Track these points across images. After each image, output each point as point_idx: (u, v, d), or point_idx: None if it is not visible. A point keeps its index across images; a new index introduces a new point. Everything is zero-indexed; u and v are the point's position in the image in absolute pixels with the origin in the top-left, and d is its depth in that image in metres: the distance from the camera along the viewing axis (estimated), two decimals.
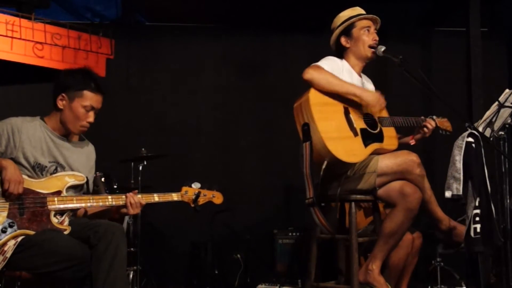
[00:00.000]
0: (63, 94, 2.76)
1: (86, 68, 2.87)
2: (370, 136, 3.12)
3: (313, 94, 3.06)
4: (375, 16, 3.32)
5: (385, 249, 3.01)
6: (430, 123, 3.34)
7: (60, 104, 2.77)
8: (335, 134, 3.01)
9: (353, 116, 3.12)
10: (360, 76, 3.34)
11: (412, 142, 3.40)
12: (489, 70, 5.40)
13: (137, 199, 2.76)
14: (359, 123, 3.13)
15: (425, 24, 5.87)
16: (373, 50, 3.23)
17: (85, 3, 5.49)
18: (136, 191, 2.82)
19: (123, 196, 2.76)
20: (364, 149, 3.07)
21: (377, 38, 3.27)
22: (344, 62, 3.28)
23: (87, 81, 2.77)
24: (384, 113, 3.31)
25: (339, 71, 3.18)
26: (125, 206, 2.76)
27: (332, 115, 3.07)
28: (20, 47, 4.63)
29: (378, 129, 3.19)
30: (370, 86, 3.44)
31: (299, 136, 3.08)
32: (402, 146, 3.35)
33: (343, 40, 3.29)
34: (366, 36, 3.25)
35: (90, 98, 2.76)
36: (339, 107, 3.10)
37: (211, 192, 2.98)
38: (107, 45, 5.12)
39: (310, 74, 3.07)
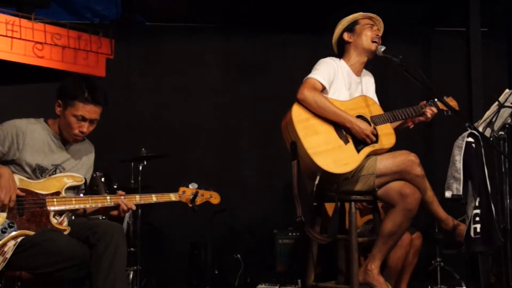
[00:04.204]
0: (59, 101, 2.76)
1: (87, 76, 2.85)
2: (363, 140, 3.09)
3: (295, 112, 3.05)
4: (379, 17, 3.36)
5: (384, 249, 3.01)
6: (431, 110, 3.29)
7: (57, 110, 2.77)
8: (323, 147, 2.99)
9: None
10: (359, 75, 3.34)
11: (411, 125, 3.36)
12: (489, 70, 5.40)
13: (128, 203, 2.78)
14: None
15: (425, 24, 5.87)
16: (375, 43, 3.25)
17: (85, 3, 5.48)
18: (123, 193, 2.82)
19: (122, 197, 2.78)
20: (357, 155, 3.04)
21: (379, 34, 3.32)
22: (342, 63, 3.29)
23: (82, 90, 2.71)
24: (378, 113, 3.25)
25: (335, 73, 3.19)
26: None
27: (318, 128, 3.05)
28: (20, 47, 4.62)
29: None
30: (370, 80, 3.45)
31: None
32: (403, 132, 3.33)
33: (345, 36, 3.33)
34: (369, 31, 3.29)
35: (81, 108, 2.71)
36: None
37: (208, 193, 3.00)
38: (107, 45, 5.11)
39: (303, 95, 3.06)
